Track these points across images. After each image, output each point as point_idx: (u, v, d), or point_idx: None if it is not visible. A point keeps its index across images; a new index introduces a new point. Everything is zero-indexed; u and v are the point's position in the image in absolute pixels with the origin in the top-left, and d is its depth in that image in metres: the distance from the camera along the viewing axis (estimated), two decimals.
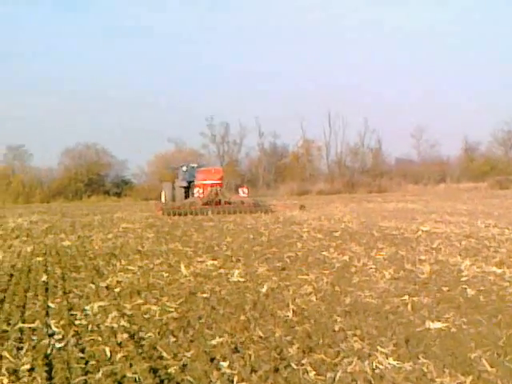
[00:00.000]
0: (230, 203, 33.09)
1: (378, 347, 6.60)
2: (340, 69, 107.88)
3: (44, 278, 11.84)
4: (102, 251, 16.18)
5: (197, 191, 34.82)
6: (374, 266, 12.39)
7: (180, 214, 30.86)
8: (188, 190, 36.58)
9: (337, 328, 7.50)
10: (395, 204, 39.58)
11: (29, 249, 16.93)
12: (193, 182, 36.40)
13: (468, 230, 19.76)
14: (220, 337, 7.15)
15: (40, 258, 14.80)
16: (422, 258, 13.48)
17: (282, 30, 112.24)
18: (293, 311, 8.40)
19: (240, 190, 37.38)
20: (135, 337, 7.34)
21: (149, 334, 7.38)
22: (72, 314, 8.61)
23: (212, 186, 34.15)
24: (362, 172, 77.00)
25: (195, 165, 40.21)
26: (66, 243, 18.37)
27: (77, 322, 8.11)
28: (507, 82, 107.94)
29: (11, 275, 12.43)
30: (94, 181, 67.81)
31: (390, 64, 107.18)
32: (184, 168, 39.20)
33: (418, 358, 6.21)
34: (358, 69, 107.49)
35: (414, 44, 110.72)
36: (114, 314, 8.44)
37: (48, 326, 7.93)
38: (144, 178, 71.29)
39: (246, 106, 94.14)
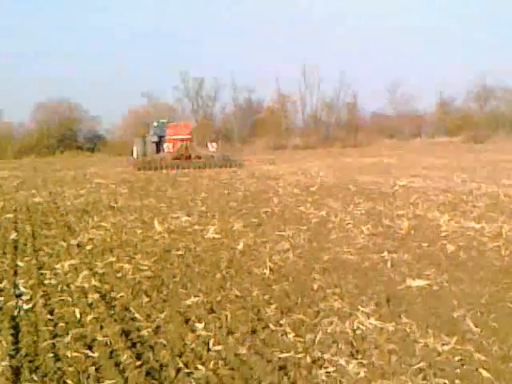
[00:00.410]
0: (199, 158, 33.38)
1: (359, 306, 6.39)
2: (315, 21, 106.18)
3: (13, 235, 11.47)
4: (74, 207, 15.81)
5: (166, 146, 34.71)
6: (351, 222, 12.19)
7: (151, 169, 31.11)
8: (159, 144, 36.44)
9: (315, 286, 7.29)
10: (370, 159, 39.30)
11: None
12: (164, 137, 36.18)
13: (445, 184, 19.62)
14: (195, 296, 6.91)
15: (10, 215, 14.39)
16: (400, 213, 13.32)
17: None
18: (270, 269, 8.17)
19: (209, 144, 37.06)
20: (107, 297, 7.08)
21: (121, 294, 7.11)
22: (41, 274, 8.31)
23: (182, 140, 34.20)
24: (337, 127, 76.42)
25: (165, 120, 39.83)
26: (38, 199, 17.94)
27: (46, 282, 7.82)
28: (484, 36, 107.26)
29: None
30: (67, 136, 66.50)
31: (366, 15, 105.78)
32: (155, 123, 39.28)
33: (401, 318, 6.03)
34: (335, 21, 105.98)
35: None
36: (85, 272, 8.14)
37: (16, 286, 7.63)
38: (117, 133, 70.25)
39: (221, 60, 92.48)
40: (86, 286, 7.52)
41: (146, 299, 6.90)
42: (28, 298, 7.03)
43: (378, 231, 11.15)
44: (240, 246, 9.87)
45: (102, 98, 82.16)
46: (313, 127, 75.12)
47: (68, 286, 7.60)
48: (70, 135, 67.21)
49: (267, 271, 8.05)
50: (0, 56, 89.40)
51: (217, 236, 10.91)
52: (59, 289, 7.44)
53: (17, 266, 8.86)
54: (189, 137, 35.08)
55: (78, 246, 10.39)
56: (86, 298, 6.99)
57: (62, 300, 6.89)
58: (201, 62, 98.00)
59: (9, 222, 13.48)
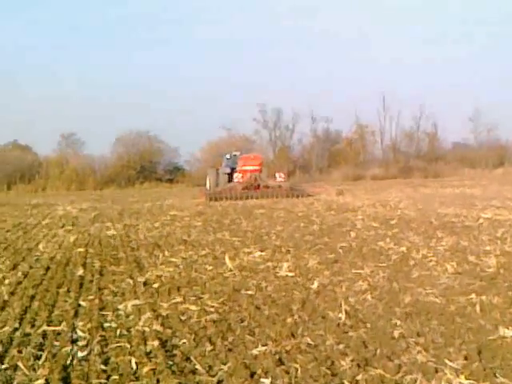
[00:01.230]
0: (267, 187, 34.50)
1: (446, 360, 5.65)
2: (394, 50, 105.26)
3: (80, 271, 11.16)
4: (147, 241, 15.52)
5: (236, 176, 35.88)
6: (434, 259, 11.40)
7: (221, 199, 32.06)
8: (231, 176, 37.17)
9: (396, 334, 6.58)
10: (452, 189, 38.08)
11: (72, 238, 16.34)
12: (235, 168, 37.30)
13: None
14: (263, 345, 6.30)
15: (81, 249, 14.17)
16: (487, 248, 12.45)
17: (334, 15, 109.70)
18: (346, 312, 7.50)
19: (277, 174, 37.50)
20: (167, 344, 6.53)
21: (183, 341, 6.56)
22: (102, 315, 7.87)
23: (251, 171, 35.41)
24: (417, 157, 74.94)
25: (238, 153, 41.04)
26: (111, 232, 17.79)
27: (106, 325, 7.37)
28: None
29: (47, 268, 11.78)
30: (147, 168, 67.44)
31: (444, 42, 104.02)
32: (227, 156, 40.56)
33: (496, 377, 5.27)
34: (413, 51, 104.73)
35: (473, 25, 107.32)
36: (148, 314, 7.66)
37: (74, 329, 7.20)
38: (196, 164, 70.66)
39: (298, 92, 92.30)
40: (147, 330, 7.01)
41: (209, 347, 6.32)
42: (84, 343, 6.57)
43: (464, 269, 10.32)
44: (314, 286, 9.24)
45: (182, 130, 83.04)
46: (392, 157, 73.89)
47: (128, 329, 7.12)
48: (149, 167, 68.06)
49: (343, 315, 7.38)
50: (82, 89, 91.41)
51: (290, 274, 10.30)
52: (118, 333, 6.96)
53: (79, 305, 8.47)
54: (258, 167, 36.20)
55: (145, 283, 9.95)
56: (145, 344, 6.47)
57: (120, 347, 6.39)
58: (279, 93, 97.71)
59: (79, 256, 13.23)
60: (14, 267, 12.04)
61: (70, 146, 71.25)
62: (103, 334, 6.95)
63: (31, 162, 64.52)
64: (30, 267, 11.97)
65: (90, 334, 6.94)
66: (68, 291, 9.50)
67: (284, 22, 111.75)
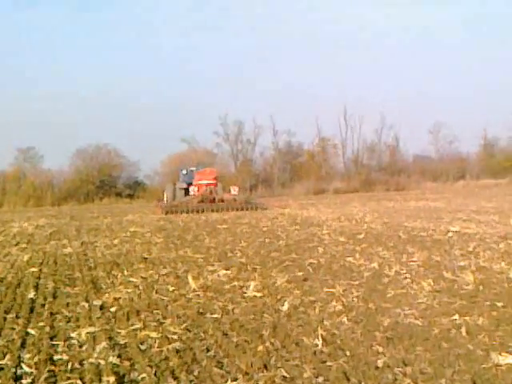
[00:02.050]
0: (222, 201, 35.73)
1: None
2: (354, 63, 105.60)
3: (32, 294, 10.30)
4: (105, 259, 14.72)
5: (192, 189, 37.24)
6: (408, 275, 10.88)
7: (177, 212, 33.43)
8: (188, 191, 38.30)
9: (380, 363, 5.96)
10: (416, 202, 37.95)
11: (26, 257, 15.41)
12: (192, 183, 38.63)
13: (502, 229, 18.21)
14: (233, 379, 5.62)
15: (35, 269, 13.30)
16: (461, 264, 12.01)
17: (292, 28, 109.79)
18: (322, 338, 6.84)
19: (231, 188, 38.54)
20: (124, 380, 5.80)
21: (142, 375, 5.84)
22: (53, 345, 7.07)
23: (207, 185, 36.95)
24: (379, 170, 75.13)
25: (194, 168, 42.04)
26: (67, 250, 16.90)
27: (56, 357, 6.56)
28: None
29: None
30: (106, 182, 66.17)
31: (406, 59, 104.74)
32: (184, 171, 42.05)
33: None
34: (374, 63, 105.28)
35: (431, 38, 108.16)
36: (104, 344, 6.89)
37: (19, 363, 6.40)
38: (157, 178, 69.64)
39: (259, 104, 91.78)
40: (102, 362, 6.24)
41: (172, 383, 5.62)
42: (29, 381, 5.80)
43: (441, 287, 9.79)
44: (285, 308, 8.59)
45: (142, 144, 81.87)
46: (354, 170, 73.94)
47: (81, 362, 6.34)
48: (109, 181, 66.85)
49: (319, 342, 6.73)
50: (39, 101, 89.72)
51: (258, 294, 9.62)
52: (69, 367, 6.18)
53: (27, 334, 7.65)
54: (213, 182, 37.78)
55: (102, 307, 9.15)
56: (100, 381, 5.74)
57: None
58: (240, 106, 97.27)
59: (32, 277, 12.35)
60: None
61: (28, 160, 69.49)
62: (52, 368, 6.17)
63: None
64: None
65: (37, 368, 6.15)
66: (17, 317, 8.66)
67: (246, 32, 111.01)
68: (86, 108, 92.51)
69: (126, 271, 12.52)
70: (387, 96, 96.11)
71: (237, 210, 34.12)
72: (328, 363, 6.06)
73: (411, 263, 12.28)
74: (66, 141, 77.59)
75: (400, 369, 5.77)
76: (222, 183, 41.65)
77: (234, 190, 37.90)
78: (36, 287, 11.11)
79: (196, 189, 37.01)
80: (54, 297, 10.18)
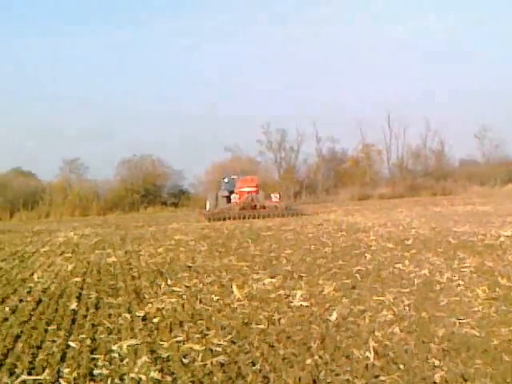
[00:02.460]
0: (264, 207, 36.50)
1: None
2: (398, 67, 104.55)
3: (74, 305, 10.11)
4: (148, 268, 14.52)
5: (233, 197, 37.69)
6: (461, 282, 10.42)
7: (219, 219, 34.05)
8: (230, 198, 38.68)
9: (438, 378, 5.58)
10: (463, 207, 37.15)
11: (70, 267, 15.32)
12: (233, 191, 39.03)
13: None
14: None
15: (78, 279, 13.17)
16: None
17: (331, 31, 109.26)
18: (374, 350, 6.47)
19: (272, 195, 38.90)
20: None
21: None
22: (93, 359, 6.83)
23: (248, 193, 37.55)
24: (424, 175, 74.05)
25: (235, 176, 43.03)
26: (111, 259, 16.77)
27: (96, 372, 6.32)
28: None
29: (39, 301, 10.75)
30: (151, 191, 66.43)
31: (450, 58, 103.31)
32: (226, 179, 43.00)
33: None
34: (417, 66, 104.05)
35: (475, 39, 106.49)
36: (145, 358, 6.61)
37: (58, 378, 6.17)
38: (201, 187, 69.72)
39: (302, 112, 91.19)
40: (143, 378, 5.98)
41: None
42: None
43: (497, 295, 9.32)
44: (333, 317, 8.23)
45: (186, 153, 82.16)
46: (399, 176, 73.03)
47: (121, 377, 6.08)
48: (153, 190, 67.09)
49: (371, 354, 6.36)
50: (86, 114, 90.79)
51: (305, 303, 9.27)
52: (109, 383, 5.95)
53: (68, 347, 7.44)
54: (255, 189, 38.31)
55: (144, 318, 8.88)
56: None
57: None
58: (283, 114, 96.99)
59: (75, 287, 12.20)
60: (3, 301, 11.00)
61: (73, 171, 70.25)
62: None
63: (34, 188, 63.54)
64: (20, 300, 10.93)
65: None
66: (58, 329, 8.45)
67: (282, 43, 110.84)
68: (130, 119, 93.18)
69: (169, 280, 12.30)
70: (431, 100, 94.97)
71: (278, 216, 34.61)
72: (381, 378, 5.70)
73: (463, 269, 11.82)
74: (110, 153, 78.54)
75: None
76: (266, 191, 42.15)
77: (275, 197, 38.35)
78: (78, 298, 10.93)
79: (237, 196, 37.54)
80: (97, 308, 9.97)
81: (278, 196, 38.83)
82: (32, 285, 12.73)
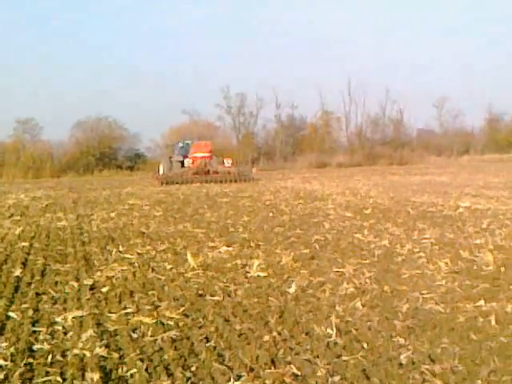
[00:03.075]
0: (217, 173, 37.10)
1: None
2: (358, 36, 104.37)
3: (18, 271, 9.53)
4: (100, 234, 13.98)
5: (187, 162, 38.77)
6: (423, 254, 10.12)
7: (173, 183, 34.94)
8: (183, 163, 39.50)
9: (404, 359, 5.21)
10: (420, 177, 37.20)
11: (18, 231, 14.67)
12: (187, 156, 39.93)
13: None
14: (236, 378, 4.88)
15: (25, 243, 12.55)
16: (477, 242, 11.26)
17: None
18: (335, 327, 6.10)
19: (225, 161, 39.85)
20: (111, 376, 5.06)
21: (132, 371, 5.10)
22: (34, 332, 6.32)
23: (202, 158, 38.04)
24: (382, 144, 74.18)
25: (189, 141, 43.38)
26: (62, 223, 16.15)
27: (35, 347, 5.80)
28: None
29: None
30: (106, 154, 65.34)
31: (412, 31, 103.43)
32: (180, 144, 43.38)
33: None
34: (379, 36, 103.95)
35: (438, 9, 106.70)
36: (91, 331, 6.12)
37: None
38: (158, 151, 68.79)
39: (262, 76, 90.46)
40: (88, 354, 5.49)
41: (166, 381, 4.89)
42: (1, 377, 5.07)
43: (460, 267, 9.04)
44: (292, 289, 7.85)
45: (143, 115, 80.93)
46: (357, 144, 73.08)
47: (64, 354, 5.59)
48: (109, 153, 66.06)
49: (332, 331, 5.98)
50: (39, 70, 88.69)
51: (262, 274, 8.85)
52: (49, 360, 5.44)
53: (8, 318, 6.90)
54: (208, 154, 38.80)
55: (92, 287, 8.38)
56: (83, 377, 5.00)
57: (49, 381, 4.91)
58: (243, 78, 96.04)
59: (21, 252, 11.59)
60: None
61: (27, 131, 68.54)
62: (30, 360, 5.43)
63: None
64: None
65: (13, 361, 5.42)
66: None
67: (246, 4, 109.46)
68: (87, 79, 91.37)
69: (121, 247, 11.79)
70: (391, 70, 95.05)
71: (230, 181, 35.57)
72: (344, 357, 5.31)
73: (424, 241, 11.55)
74: (65, 113, 76.93)
75: (427, 366, 5.02)
76: (224, 156, 42.36)
77: (228, 163, 39.44)
78: (24, 264, 10.34)
79: (191, 161, 38.43)
80: (43, 275, 9.42)
81: (230, 162, 39.80)
82: None
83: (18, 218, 18.23)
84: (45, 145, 65.16)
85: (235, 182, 35.62)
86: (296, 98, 78.90)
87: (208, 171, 37.21)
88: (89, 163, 62.94)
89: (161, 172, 40.62)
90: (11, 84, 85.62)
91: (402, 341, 5.70)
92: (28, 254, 11.45)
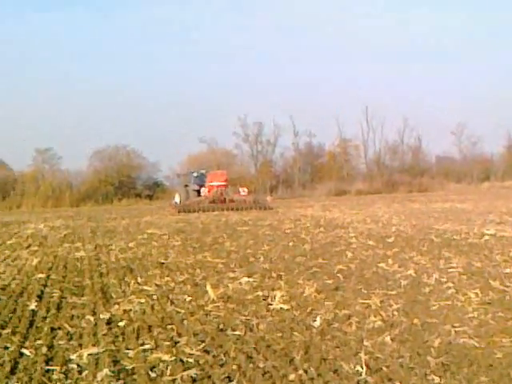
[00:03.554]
0: (232, 201, 37.93)
1: None
2: (375, 64, 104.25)
3: (34, 305, 9.26)
4: (118, 264, 13.74)
5: (203, 191, 39.98)
6: (451, 284, 9.79)
7: (190, 211, 35.85)
8: (199, 192, 40.66)
9: None
10: (441, 204, 36.82)
11: (35, 261, 14.48)
12: (203, 185, 41.06)
13: None
14: None
15: (42, 275, 12.32)
16: (507, 271, 10.90)
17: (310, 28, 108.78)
18: (365, 364, 5.75)
19: (240, 189, 41.06)
20: None
21: None
22: (47, 371, 6.02)
23: (218, 187, 39.22)
24: (401, 171, 73.68)
25: (204, 171, 45.16)
26: (80, 254, 15.94)
27: None
28: None
29: None
30: (125, 183, 65.43)
31: (428, 59, 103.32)
32: (195, 174, 44.34)
33: None
34: (395, 65, 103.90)
35: (452, 37, 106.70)
36: (107, 370, 5.81)
37: None
38: (176, 180, 68.81)
39: (280, 105, 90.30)
40: None
41: None
42: None
43: (491, 298, 8.69)
44: (317, 323, 7.52)
45: (161, 145, 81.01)
46: (376, 171, 72.65)
47: None
48: (128, 182, 66.14)
49: (362, 369, 5.64)
50: (59, 104, 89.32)
51: (285, 307, 8.54)
52: None
53: (21, 355, 6.62)
54: (224, 183, 40.06)
55: (109, 321, 8.10)
56: None
57: None
58: (260, 107, 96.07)
59: (37, 284, 11.34)
60: None
61: (46, 161, 68.82)
62: None
63: (5, 177, 62.28)
64: None
65: None
66: (13, 333, 7.61)
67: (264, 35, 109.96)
68: (105, 109, 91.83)
69: (139, 278, 11.55)
70: (409, 97, 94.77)
71: (246, 209, 36.26)
72: None
73: (451, 270, 11.23)
74: (84, 142, 77.24)
75: None
76: (242, 184, 44.19)
77: (243, 191, 40.51)
78: (40, 297, 10.09)
79: (206, 190, 39.75)
80: (58, 308, 9.15)
81: (245, 190, 40.90)
82: None
83: (36, 248, 18.09)
84: (64, 174, 65.44)
85: (251, 209, 36.28)
86: (313, 126, 78.55)
87: (224, 200, 38.03)
88: (108, 192, 63.03)
89: (177, 200, 41.64)
90: (32, 114, 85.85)
91: (437, 379, 5.36)
92: (44, 286, 11.22)
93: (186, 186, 43.24)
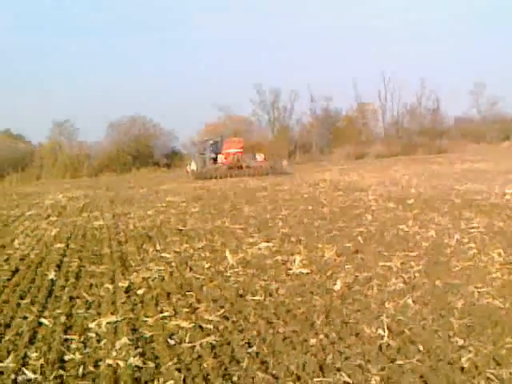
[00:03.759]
0: (249, 167, 38.29)
1: None
2: (393, 25, 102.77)
3: (52, 274, 9.24)
4: (137, 232, 13.68)
5: (220, 158, 40.23)
6: (473, 245, 9.62)
7: (207, 178, 36.30)
8: (216, 159, 41.04)
9: (465, 362, 4.74)
10: (461, 165, 36.32)
11: (54, 231, 14.48)
12: (219, 152, 41.31)
13: None
14: None
15: (61, 245, 12.31)
16: None
17: None
18: (387, 327, 5.65)
19: (257, 155, 40.85)
20: None
21: (169, 382, 4.71)
22: (66, 340, 5.98)
23: (234, 154, 39.70)
24: (420, 133, 72.92)
25: (219, 138, 44.38)
26: (98, 223, 15.89)
27: (67, 357, 5.46)
28: None
29: (15, 271, 9.87)
30: (143, 152, 65.16)
31: (447, 18, 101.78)
32: (211, 141, 44.00)
33: None
34: (412, 25, 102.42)
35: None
36: (126, 339, 5.76)
37: (23, 365, 5.31)
38: (193, 148, 68.59)
39: (297, 70, 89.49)
40: (121, 364, 5.13)
41: None
42: None
43: None
44: (337, 287, 7.42)
45: (178, 113, 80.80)
46: (394, 134, 71.98)
47: (96, 364, 5.24)
48: (146, 151, 65.89)
49: (384, 332, 5.54)
50: (76, 74, 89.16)
51: (305, 271, 8.44)
52: (80, 372, 5.09)
53: (40, 324, 6.58)
54: (240, 150, 40.50)
55: (128, 290, 8.06)
56: None
57: None
58: (277, 73, 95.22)
59: (56, 254, 11.33)
60: None
61: (64, 133, 68.85)
62: (61, 372, 5.08)
63: (24, 150, 62.43)
64: None
65: (42, 373, 5.07)
66: (31, 303, 7.58)
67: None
68: (121, 80, 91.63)
69: (158, 245, 11.49)
70: (427, 59, 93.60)
71: (262, 174, 36.28)
72: (398, 362, 4.87)
73: (472, 230, 11.03)
74: (101, 114, 77.30)
75: (493, 370, 4.55)
76: (260, 151, 43.30)
77: (260, 157, 40.46)
78: (59, 266, 10.07)
79: (223, 157, 39.88)
80: (77, 277, 9.12)
81: (262, 156, 40.79)
82: (11, 251, 11.88)
83: (55, 218, 18.05)
84: (81, 145, 65.45)
85: (267, 175, 36.29)
86: (330, 90, 77.82)
87: (241, 166, 38.57)
88: (126, 162, 62.91)
89: (193, 168, 42.05)
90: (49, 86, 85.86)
91: (461, 341, 5.24)
92: (63, 255, 11.19)
93: (202, 154, 43.71)
